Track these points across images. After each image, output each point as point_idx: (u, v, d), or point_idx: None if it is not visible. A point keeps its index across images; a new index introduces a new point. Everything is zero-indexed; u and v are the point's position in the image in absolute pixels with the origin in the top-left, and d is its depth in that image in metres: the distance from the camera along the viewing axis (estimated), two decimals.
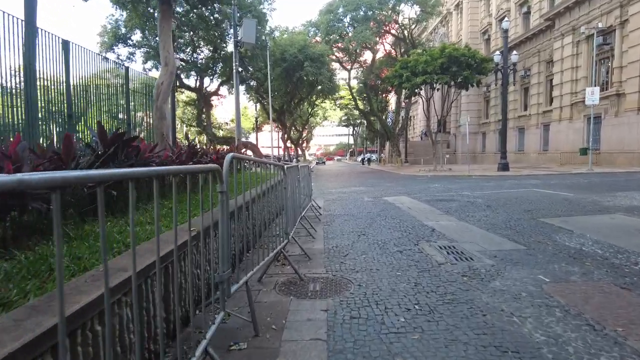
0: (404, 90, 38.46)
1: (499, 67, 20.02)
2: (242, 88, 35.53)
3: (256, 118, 40.79)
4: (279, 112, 33.70)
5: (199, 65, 21.00)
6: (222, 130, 49.53)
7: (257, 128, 43.01)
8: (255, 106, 40.83)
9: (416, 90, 22.66)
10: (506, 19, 20.79)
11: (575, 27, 24.61)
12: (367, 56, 38.30)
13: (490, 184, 13.95)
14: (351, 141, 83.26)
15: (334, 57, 34.83)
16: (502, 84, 20.03)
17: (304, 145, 74.64)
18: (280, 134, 44.85)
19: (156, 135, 5.99)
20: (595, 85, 18.52)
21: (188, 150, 5.39)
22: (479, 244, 4.89)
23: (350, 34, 31.20)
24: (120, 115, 7.46)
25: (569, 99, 25.55)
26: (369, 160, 52.72)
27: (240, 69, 33.19)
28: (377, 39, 30.31)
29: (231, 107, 73.43)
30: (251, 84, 33.73)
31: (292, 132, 49.80)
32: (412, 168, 30.39)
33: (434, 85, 21.30)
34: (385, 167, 36.90)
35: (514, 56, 20.12)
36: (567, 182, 13.12)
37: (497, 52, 20.35)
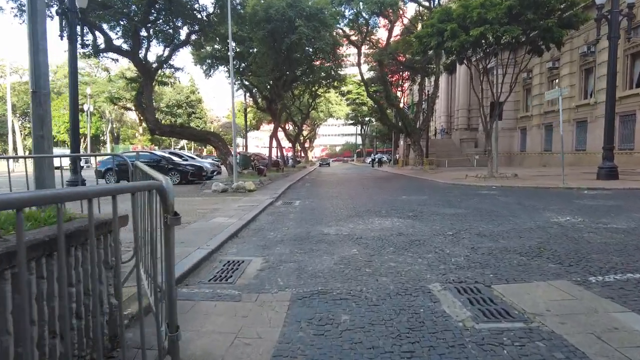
0: (430, 77, 31.01)
1: (604, 13, 12.36)
2: (222, 68, 28.30)
3: (245, 109, 33.21)
4: (269, 100, 26.23)
5: (131, 16, 13.38)
6: (212, 125, 42.26)
7: (247, 124, 35.46)
8: (245, 95, 33.31)
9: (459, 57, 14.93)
10: None
11: None
12: (381, 34, 30.76)
13: None
14: (359, 141, 75.46)
15: (340, 32, 27.26)
16: (608, 37, 12.36)
17: (307, 145, 67.24)
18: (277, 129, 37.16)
19: None
20: None
21: None
22: None
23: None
24: None
25: None
26: (380, 162, 45.09)
27: (218, 46, 25.95)
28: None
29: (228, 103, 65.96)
30: (236, 64, 26.39)
31: (287, 126, 42.12)
32: (443, 173, 22.69)
33: (494, 45, 13.54)
34: (404, 170, 29.22)
35: None
36: None
37: None
